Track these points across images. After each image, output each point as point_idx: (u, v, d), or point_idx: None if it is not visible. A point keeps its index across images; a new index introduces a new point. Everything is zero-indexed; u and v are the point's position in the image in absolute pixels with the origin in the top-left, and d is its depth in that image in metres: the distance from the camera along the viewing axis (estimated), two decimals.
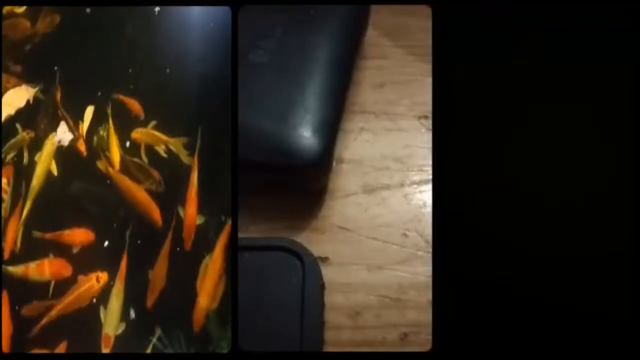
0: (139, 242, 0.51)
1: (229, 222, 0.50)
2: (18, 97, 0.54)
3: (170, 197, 0.52)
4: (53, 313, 0.48)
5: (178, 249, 0.50)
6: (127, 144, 0.55)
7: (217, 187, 0.52)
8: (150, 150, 0.54)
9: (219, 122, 0.52)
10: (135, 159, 0.54)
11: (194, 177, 0.52)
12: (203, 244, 0.51)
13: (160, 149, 0.54)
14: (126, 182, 0.53)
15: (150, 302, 0.49)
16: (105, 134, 0.55)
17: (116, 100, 0.56)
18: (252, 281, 0.44)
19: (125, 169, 0.54)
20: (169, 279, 0.50)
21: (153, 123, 0.55)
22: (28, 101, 0.56)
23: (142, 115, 0.55)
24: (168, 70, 0.57)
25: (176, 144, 0.54)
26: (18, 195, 0.53)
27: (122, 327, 0.49)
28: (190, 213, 0.51)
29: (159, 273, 0.50)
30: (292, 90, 0.48)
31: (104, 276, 0.50)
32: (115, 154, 0.54)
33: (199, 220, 0.51)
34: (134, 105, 0.55)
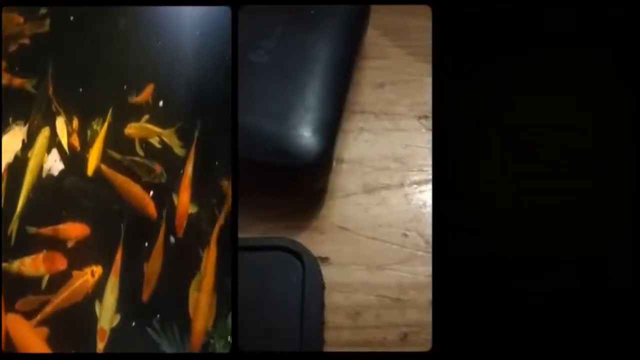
0: (134, 235, 0.51)
1: (222, 217, 0.50)
2: (13, 139, 0.54)
3: (164, 188, 0.53)
4: (48, 309, 0.48)
5: (172, 240, 0.51)
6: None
7: (211, 179, 0.53)
8: (145, 142, 0.55)
9: (217, 116, 0.53)
10: (136, 158, 0.54)
11: (189, 166, 0.52)
12: (196, 234, 0.51)
13: (155, 141, 0.54)
14: (119, 178, 0.53)
15: (145, 295, 0.50)
16: (98, 128, 0.55)
17: (110, 95, 0.56)
18: (252, 281, 0.44)
19: (124, 168, 0.54)
20: (164, 271, 0.50)
21: (146, 117, 0.55)
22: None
23: (150, 101, 0.55)
24: (166, 64, 0.57)
25: (169, 136, 0.54)
26: (11, 190, 0.53)
27: (117, 321, 0.49)
28: (183, 201, 0.51)
29: (153, 265, 0.50)
30: (292, 90, 0.48)
31: (98, 270, 0.50)
32: (96, 150, 0.54)
33: (192, 209, 0.51)
34: (146, 93, 0.56)
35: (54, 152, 0.55)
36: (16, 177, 0.53)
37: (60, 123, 0.55)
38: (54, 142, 0.55)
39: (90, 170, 0.53)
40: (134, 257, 0.51)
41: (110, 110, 0.56)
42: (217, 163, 0.53)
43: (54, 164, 0.54)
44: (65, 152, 0.55)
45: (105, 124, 0.55)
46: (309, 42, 0.50)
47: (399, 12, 0.60)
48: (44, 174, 0.54)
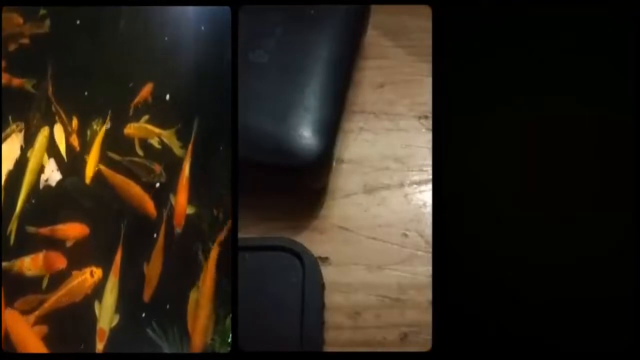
0: (133, 235, 0.51)
1: (222, 217, 0.50)
2: (11, 149, 0.54)
3: (164, 188, 0.53)
4: (46, 305, 0.48)
5: (172, 241, 0.51)
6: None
7: (210, 180, 0.53)
8: (144, 142, 0.55)
9: (215, 116, 0.53)
10: (136, 158, 0.54)
11: (186, 166, 0.53)
12: (196, 235, 0.51)
13: (154, 142, 0.55)
14: (118, 178, 0.53)
15: (147, 295, 0.50)
16: (98, 128, 0.55)
17: (110, 95, 0.56)
18: (252, 281, 0.44)
19: (124, 168, 0.54)
20: (164, 271, 0.50)
21: (146, 117, 0.55)
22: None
23: (149, 100, 0.55)
24: (164, 64, 0.57)
25: (169, 137, 0.54)
26: (11, 190, 0.53)
27: (116, 321, 0.49)
28: (181, 201, 0.51)
29: (154, 266, 0.50)
30: (292, 90, 0.48)
31: (98, 272, 0.50)
32: (93, 157, 0.54)
33: (190, 210, 0.51)
34: (145, 92, 0.56)
35: (52, 162, 0.54)
36: (16, 177, 0.53)
37: (59, 130, 0.55)
38: (51, 150, 0.55)
39: (87, 178, 0.53)
40: (134, 257, 0.51)
41: (109, 113, 0.56)
42: (216, 163, 0.53)
43: (52, 174, 0.54)
44: (63, 159, 0.55)
45: (103, 127, 0.55)
46: (309, 42, 0.50)
47: (399, 12, 0.60)
48: (41, 185, 0.53)
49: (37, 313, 0.48)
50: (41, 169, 0.54)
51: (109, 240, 0.51)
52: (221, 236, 0.50)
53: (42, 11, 0.58)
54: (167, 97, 0.56)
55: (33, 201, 0.53)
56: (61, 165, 0.55)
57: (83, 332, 0.49)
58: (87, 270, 0.50)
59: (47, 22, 0.58)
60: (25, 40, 0.57)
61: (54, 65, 0.57)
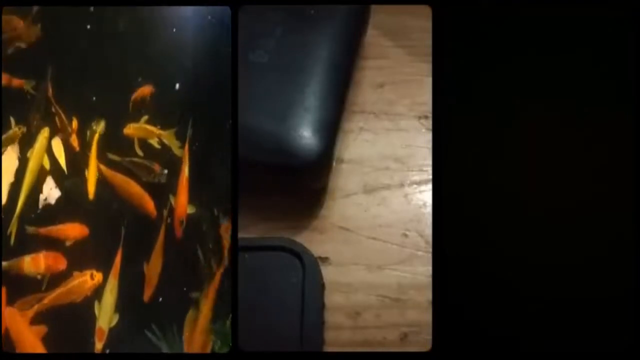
0: (133, 235, 0.51)
1: (222, 217, 0.50)
2: (9, 162, 0.54)
3: (163, 189, 0.53)
4: (45, 302, 0.48)
5: (172, 241, 0.51)
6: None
7: (210, 179, 0.53)
8: (144, 142, 0.55)
9: (212, 116, 0.53)
10: (135, 159, 0.54)
11: (185, 167, 0.53)
12: (196, 235, 0.51)
13: (154, 142, 0.55)
14: (118, 178, 0.53)
15: (147, 295, 0.50)
16: (97, 129, 0.55)
17: (110, 95, 0.56)
18: (252, 281, 0.44)
19: (124, 168, 0.54)
20: (164, 271, 0.50)
21: (145, 117, 0.55)
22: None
23: (148, 101, 0.55)
24: (164, 64, 0.57)
25: (169, 137, 0.54)
26: (11, 190, 0.53)
27: (115, 321, 0.49)
28: (181, 202, 0.51)
29: (154, 265, 0.50)
30: (292, 90, 0.48)
31: (98, 275, 0.50)
32: (94, 158, 0.54)
33: (190, 209, 0.51)
34: (144, 91, 0.56)
35: (50, 180, 0.54)
36: (16, 178, 0.53)
37: (57, 143, 0.55)
38: (50, 165, 0.54)
39: (90, 186, 0.53)
40: (134, 257, 0.51)
41: (108, 114, 0.56)
42: (216, 163, 0.53)
43: (50, 192, 0.54)
44: (63, 171, 0.55)
45: (103, 128, 0.55)
46: (309, 42, 0.50)
47: (399, 12, 0.60)
48: (40, 204, 0.53)
49: (35, 309, 0.48)
50: (41, 173, 0.54)
51: (109, 240, 0.51)
52: (221, 236, 0.50)
53: (42, 11, 0.58)
54: (167, 97, 0.56)
55: (33, 201, 0.53)
56: (60, 178, 0.54)
57: (82, 331, 0.48)
58: (88, 273, 0.50)
59: (47, 22, 0.58)
60: (25, 41, 0.57)
61: (54, 66, 0.57)
